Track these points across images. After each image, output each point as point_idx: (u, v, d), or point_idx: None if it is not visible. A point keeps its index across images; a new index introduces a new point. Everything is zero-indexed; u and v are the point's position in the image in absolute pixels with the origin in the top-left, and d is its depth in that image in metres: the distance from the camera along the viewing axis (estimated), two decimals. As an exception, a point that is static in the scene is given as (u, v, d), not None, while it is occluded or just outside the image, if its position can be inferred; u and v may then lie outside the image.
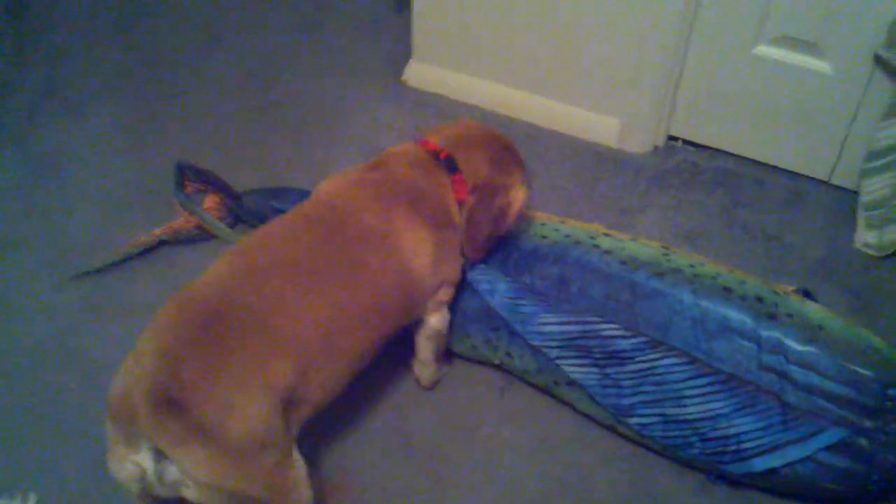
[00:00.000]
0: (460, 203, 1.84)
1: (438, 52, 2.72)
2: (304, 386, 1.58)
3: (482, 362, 2.03)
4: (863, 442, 1.69)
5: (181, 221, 2.27)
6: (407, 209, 1.76)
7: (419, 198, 1.79)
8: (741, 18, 2.30)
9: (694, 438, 1.77)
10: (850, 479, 1.71)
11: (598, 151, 2.59)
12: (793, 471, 1.72)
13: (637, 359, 1.79)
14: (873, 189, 2.26)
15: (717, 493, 1.84)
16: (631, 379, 1.80)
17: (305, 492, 1.60)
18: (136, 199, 2.38)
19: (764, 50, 2.34)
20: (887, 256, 2.31)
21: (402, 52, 2.81)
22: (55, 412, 1.94)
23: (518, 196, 1.89)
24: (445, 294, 1.87)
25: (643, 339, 1.79)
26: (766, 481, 1.77)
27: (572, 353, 1.84)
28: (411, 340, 1.93)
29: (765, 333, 1.75)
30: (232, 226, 2.30)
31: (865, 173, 2.27)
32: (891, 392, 1.70)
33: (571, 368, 1.84)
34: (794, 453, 1.71)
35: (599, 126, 2.61)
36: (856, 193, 2.36)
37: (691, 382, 1.76)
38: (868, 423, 1.69)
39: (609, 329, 1.81)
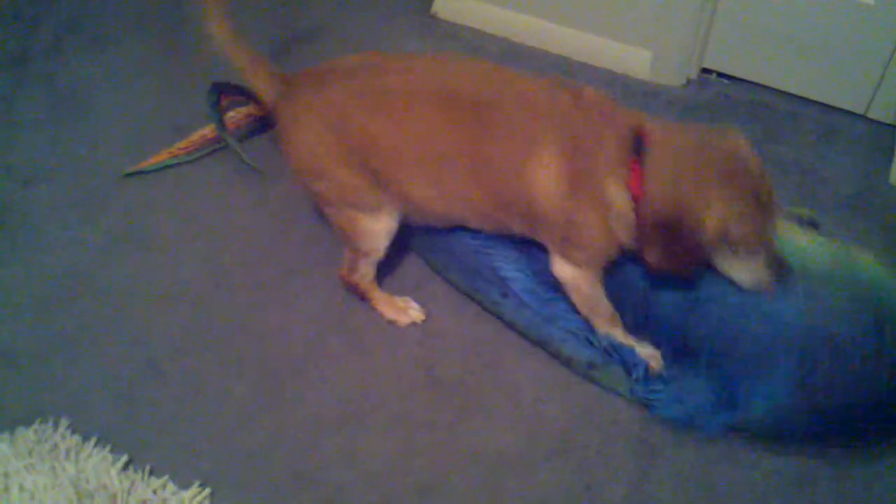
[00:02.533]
0: (636, 194, 1.63)
1: (467, -17, 2.68)
2: (386, 171, 1.78)
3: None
4: (823, 368, 1.66)
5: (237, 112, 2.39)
6: (561, 149, 1.66)
7: (579, 151, 1.65)
8: (778, -55, 2.24)
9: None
10: (823, 412, 1.70)
11: (630, 84, 2.55)
12: (764, 414, 1.72)
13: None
14: (912, 122, 2.21)
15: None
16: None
17: (369, 241, 1.89)
18: (160, 133, 2.38)
19: (802, -22, 2.28)
20: (924, 191, 2.27)
21: (431, -16, 2.77)
22: (85, 341, 1.97)
23: (707, 224, 1.57)
24: (575, 253, 1.76)
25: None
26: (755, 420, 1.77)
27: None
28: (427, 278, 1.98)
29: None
30: (272, 127, 2.35)
31: (904, 106, 2.21)
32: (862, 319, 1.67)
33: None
34: (761, 390, 1.71)
35: (631, 58, 2.56)
36: (893, 127, 2.30)
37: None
38: (824, 355, 1.66)
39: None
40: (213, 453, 1.80)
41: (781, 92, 2.50)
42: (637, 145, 1.63)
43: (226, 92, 2.35)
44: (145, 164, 2.30)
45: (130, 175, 2.29)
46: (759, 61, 2.48)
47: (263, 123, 2.38)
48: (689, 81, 2.56)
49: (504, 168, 1.72)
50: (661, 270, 1.68)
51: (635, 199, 1.63)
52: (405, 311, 2.00)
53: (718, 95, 2.51)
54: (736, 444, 1.81)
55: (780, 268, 1.66)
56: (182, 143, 2.33)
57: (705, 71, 2.58)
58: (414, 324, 1.99)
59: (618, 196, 1.64)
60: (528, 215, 1.75)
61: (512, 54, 2.64)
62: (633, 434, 1.83)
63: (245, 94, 2.35)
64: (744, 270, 1.67)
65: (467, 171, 1.74)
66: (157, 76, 2.58)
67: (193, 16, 2.71)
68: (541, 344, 1.93)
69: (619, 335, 1.85)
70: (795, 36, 2.38)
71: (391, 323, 1.99)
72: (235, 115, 2.37)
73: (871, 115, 2.43)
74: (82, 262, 2.12)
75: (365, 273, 1.96)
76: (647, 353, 1.84)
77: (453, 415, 1.86)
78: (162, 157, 2.32)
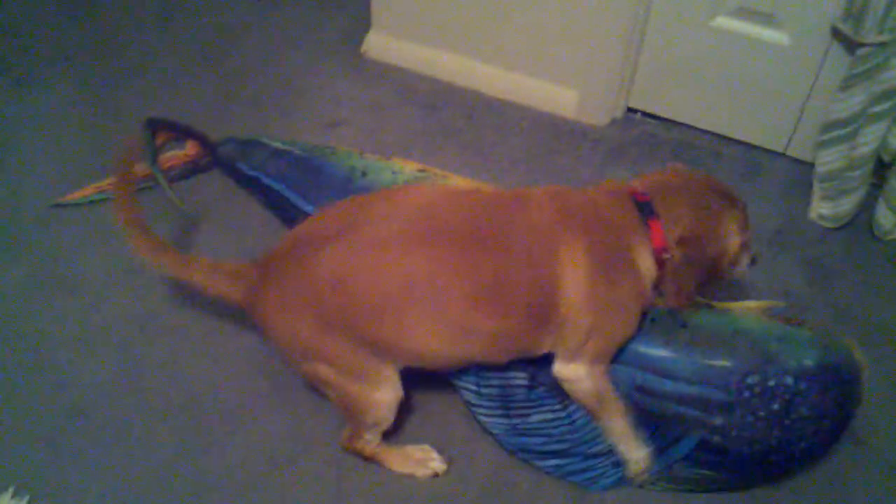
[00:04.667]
0: (659, 251, 1.64)
1: (398, 23, 2.70)
2: (383, 333, 1.61)
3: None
4: (716, 439, 1.71)
5: (171, 155, 2.35)
6: (577, 234, 1.61)
7: (596, 229, 1.63)
8: (699, -11, 2.31)
9: (607, 467, 1.80)
10: (723, 468, 1.75)
11: (557, 123, 2.59)
12: (677, 471, 1.77)
13: (544, 408, 1.80)
14: (828, 161, 2.27)
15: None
16: (537, 429, 1.81)
17: (374, 414, 1.72)
18: (86, 175, 2.33)
19: (722, 21, 2.35)
20: (841, 227, 2.33)
21: (362, 24, 2.78)
22: (5, 387, 1.91)
23: (731, 242, 1.69)
24: (594, 347, 1.66)
25: (544, 388, 1.79)
26: (663, 478, 1.80)
27: (486, 402, 1.83)
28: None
29: (630, 347, 1.73)
30: (208, 169, 2.38)
31: (821, 145, 2.27)
32: (748, 381, 1.69)
33: (484, 418, 1.84)
34: (661, 461, 1.76)
35: (558, 98, 2.60)
36: (811, 165, 2.37)
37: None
38: (718, 421, 1.70)
39: (519, 379, 1.81)
40: (139, 502, 1.76)
41: (704, 131, 2.56)
42: (642, 206, 1.66)
43: (161, 129, 2.32)
44: (73, 197, 2.27)
45: (58, 206, 2.26)
46: (682, 101, 2.54)
47: (198, 166, 2.36)
48: (614, 121, 2.60)
49: (530, 281, 1.60)
50: (684, 302, 1.70)
51: (659, 251, 1.65)
52: (424, 462, 1.82)
53: (644, 134, 2.56)
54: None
55: (753, 250, 1.79)
56: (111, 179, 2.30)
57: (631, 110, 2.63)
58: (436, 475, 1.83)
59: (645, 258, 1.65)
60: (558, 322, 1.63)
61: (441, 94, 2.66)
62: (564, 472, 1.84)
63: (181, 132, 2.33)
64: (739, 263, 1.76)
65: (486, 301, 1.60)
66: (87, 115, 2.54)
67: (124, 54, 2.72)
68: None
69: (622, 426, 1.74)
70: (717, 77, 2.44)
71: (409, 476, 1.83)
72: (171, 156, 2.34)
73: (790, 153, 2.50)
74: (2, 305, 2.06)
75: (369, 440, 1.79)
76: (637, 456, 1.76)
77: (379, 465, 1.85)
78: (90, 191, 2.29)
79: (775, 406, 1.69)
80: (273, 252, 1.69)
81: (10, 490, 1.74)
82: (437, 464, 1.82)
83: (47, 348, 1.99)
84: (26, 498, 1.73)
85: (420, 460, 1.83)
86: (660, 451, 1.75)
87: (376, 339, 1.61)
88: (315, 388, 1.79)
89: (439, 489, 1.80)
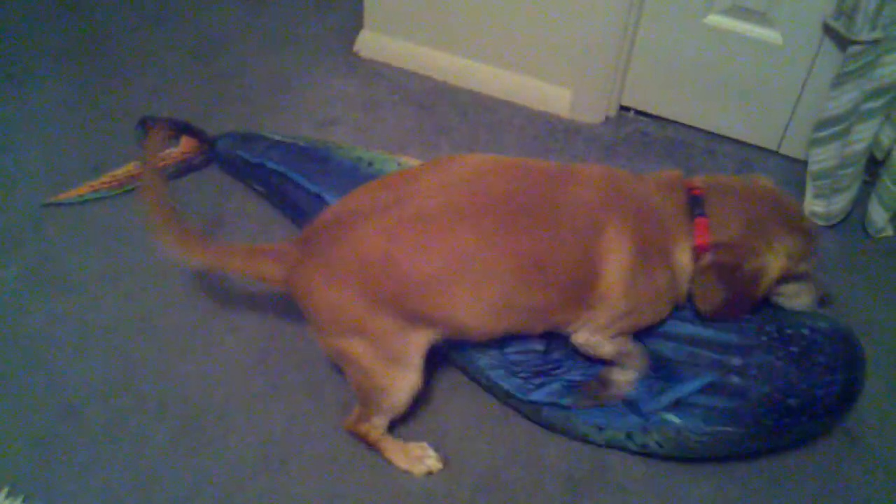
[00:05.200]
0: (700, 250, 1.66)
1: (391, 22, 2.70)
2: (418, 305, 1.63)
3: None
4: (734, 380, 1.72)
5: (166, 153, 2.33)
6: (624, 218, 1.64)
7: (642, 216, 1.65)
8: (692, -13, 2.31)
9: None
10: (737, 418, 1.73)
11: (551, 122, 2.59)
12: (690, 422, 1.74)
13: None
14: (821, 159, 2.28)
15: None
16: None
17: (394, 398, 1.73)
18: (81, 173, 2.33)
19: (715, 19, 2.35)
20: (834, 225, 2.34)
21: (354, 23, 2.78)
22: (-2, 388, 1.92)
23: (772, 265, 1.66)
24: (620, 326, 1.70)
25: (561, 352, 1.83)
26: (674, 444, 1.78)
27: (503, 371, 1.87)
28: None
29: None
30: (202, 167, 2.37)
31: (813, 143, 2.28)
32: (767, 328, 1.74)
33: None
34: (669, 396, 1.76)
35: (552, 96, 2.60)
36: (804, 163, 2.38)
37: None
38: (736, 361, 1.72)
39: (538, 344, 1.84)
40: (134, 501, 1.76)
41: (697, 129, 2.57)
42: (693, 201, 1.68)
43: (156, 127, 2.31)
44: (66, 196, 2.27)
45: (50, 206, 2.25)
46: (675, 99, 2.55)
47: (192, 164, 2.35)
48: (608, 119, 2.61)
49: (574, 258, 1.63)
50: (714, 316, 1.73)
51: (699, 249, 1.66)
52: (421, 459, 1.83)
53: (637, 133, 2.57)
54: (660, 481, 1.83)
55: (823, 289, 1.78)
56: (105, 178, 2.30)
57: (624, 109, 2.63)
58: (430, 473, 1.83)
59: (684, 254, 1.67)
60: (595, 301, 1.67)
61: (435, 92, 2.66)
62: (560, 471, 1.84)
63: (178, 129, 2.32)
64: (797, 296, 1.77)
65: (530, 276, 1.63)
66: (78, 115, 2.53)
67: (116, 54, 2.71)
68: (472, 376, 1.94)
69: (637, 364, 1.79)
70: (709, 75, 2.45)
71: (406, 472, 1.82)
72: (165, 155, 2.33)
73: (783, 151, 2.51)
74: (-4, 305, 2.06)
75: (378, 425, 1.80)
76: (624, 378, 1.79)
77: (379, 453, 1.85)
78: (83, 190, 2.28)
79: (793, 349, 1.72)
80: (313, 227, 1.69)
81: (5, 490, 1.74)
82: (432, 461, 1.83)
83: (41, 348, 1.98)
84: (20, 498, 1.73)
85: (417, 457, 1.83)
86: (668, 389, 1.76)
87: (423, 312, 1.64)
88: (337, 364, 1.80)
89: (433, 487, 1.80)
